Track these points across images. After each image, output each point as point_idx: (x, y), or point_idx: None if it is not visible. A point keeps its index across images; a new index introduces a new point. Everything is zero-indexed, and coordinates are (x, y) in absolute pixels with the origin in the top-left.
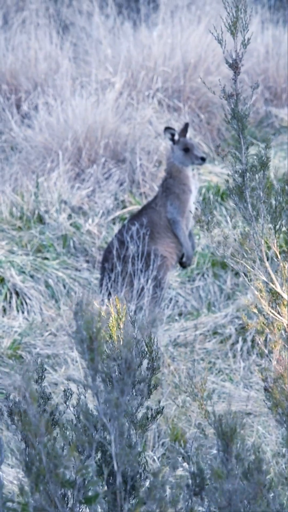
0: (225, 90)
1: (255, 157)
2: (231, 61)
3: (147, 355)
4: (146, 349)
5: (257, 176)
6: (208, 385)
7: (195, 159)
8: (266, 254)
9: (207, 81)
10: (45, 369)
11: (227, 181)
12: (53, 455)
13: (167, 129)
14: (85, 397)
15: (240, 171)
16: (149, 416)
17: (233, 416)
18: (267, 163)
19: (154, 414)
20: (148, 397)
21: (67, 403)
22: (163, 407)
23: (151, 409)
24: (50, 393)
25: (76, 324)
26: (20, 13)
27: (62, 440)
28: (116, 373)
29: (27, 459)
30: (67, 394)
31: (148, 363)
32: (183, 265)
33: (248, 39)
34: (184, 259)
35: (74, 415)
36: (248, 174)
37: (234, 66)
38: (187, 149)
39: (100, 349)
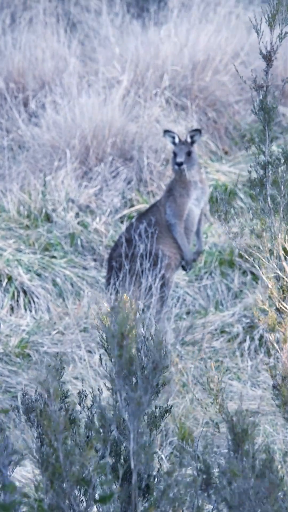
0: (256, 80)
1: (280, 150)
2: (265, 53)
3: (156, 353)
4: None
5: (280, 170)
6: (215, 383)
7: (175, 164)
8: (284, 249)
9: (215, 80)
10: (64, 367)
11: (250, 172)
12: (71, 453)
13: (166, 132)
14: (100, 391)
15: (262, 163)
16: (157, 414)
17: (245, 416)
18: None
19: (163, 413)
20: (156, 396)
21: (82, 404)
22: (171, 406)
23: (159, 408)
24: (67, 390)
25: (111, 319)
26: (28, 12)
27: (78, 438)
28: (140, 372)
29: (43, 456)
30: (82, 395)
31: (157, 361)
32: (183, 268)
33: (286, 33)
34: (183, 263)
35: (88, 415)
36: (270, 167)
37: (268, 57)
38: (174, 154)
39: (130, 347)
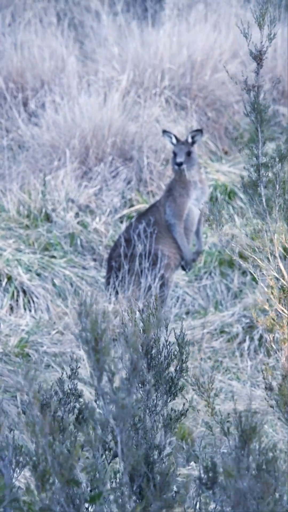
0: (247, 81)
1: (272, 149)
2: (255, 53)
3: (177, 356)
4: (178, 350)
5: (274, 169)
6: (215, 383)
7: (174, 164)
8: (282, 249)
9: (214, 79)
10: (78, 367)
11: (242, 177)
12: (60, 455)
13: (164, 132)
14: (90, 392)
15: (255, 165)
16: (172, 417)
17: (253, 415)
18: (286, 155)
19: (178, 415)
20: (173, 399)
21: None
22: (187, 409)
23: (175, 411)
24: (81, 390)
25: (81, 325)
26: (28, 12)
27: (71, 439)
28: (123, 374)
29: (34, 458)
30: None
31: (177, 364)
32: (183, 268)
33: (274, 34)
34: (182, 263)
35: (78, 415)
36: (263, 169)
37: (258, 58)
38: (174, 154)
39: (105, 350)
